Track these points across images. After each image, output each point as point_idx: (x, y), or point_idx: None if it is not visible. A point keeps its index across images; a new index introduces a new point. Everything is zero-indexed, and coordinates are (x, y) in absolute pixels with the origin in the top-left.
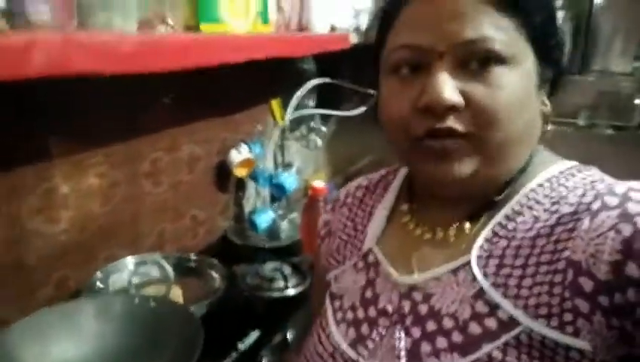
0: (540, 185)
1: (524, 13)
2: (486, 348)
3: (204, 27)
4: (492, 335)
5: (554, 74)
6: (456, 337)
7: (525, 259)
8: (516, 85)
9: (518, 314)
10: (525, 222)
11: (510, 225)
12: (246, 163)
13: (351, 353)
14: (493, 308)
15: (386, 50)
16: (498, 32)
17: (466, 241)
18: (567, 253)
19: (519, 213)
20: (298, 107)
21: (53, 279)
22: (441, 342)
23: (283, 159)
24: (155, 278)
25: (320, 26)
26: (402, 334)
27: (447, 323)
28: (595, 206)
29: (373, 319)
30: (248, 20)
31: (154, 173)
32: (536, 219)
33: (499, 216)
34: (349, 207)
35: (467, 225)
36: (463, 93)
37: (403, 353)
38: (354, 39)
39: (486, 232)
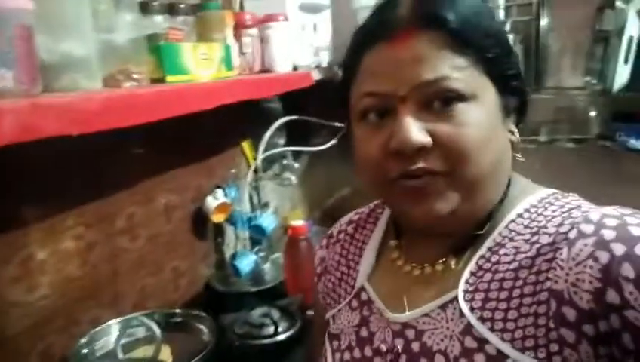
0: (520, 216)
1: (477, 50)
2: None
3: (170, 79)
4: None
5: (518, 102)
6: None
7: (509, 292)
8: (480, 120)
9: (506, 348)
10: (507, 254)
11: (493, 258)
12: (223, 208)
13: None
14: (481, 342)
15: (352, 98)
16: (455, 71)
17: (453, 276)
18: (548, 284)
19: (501, 245)
20: (269, 146)
21: (37, 348)
22: None
23: (259, 200)
24: (143, 338)
25: (282, 66)
26: None
27: (439, 360)
28: (572, 235)
29: (369, 358)
30: (212, 68)
31: (130, 228)
32: (517, 250)
33: (482, 249)
34: (341, 244)
35: (453, 260)
36: (430, 133)
37: None
38: (316, 76)
39: (471, 266)
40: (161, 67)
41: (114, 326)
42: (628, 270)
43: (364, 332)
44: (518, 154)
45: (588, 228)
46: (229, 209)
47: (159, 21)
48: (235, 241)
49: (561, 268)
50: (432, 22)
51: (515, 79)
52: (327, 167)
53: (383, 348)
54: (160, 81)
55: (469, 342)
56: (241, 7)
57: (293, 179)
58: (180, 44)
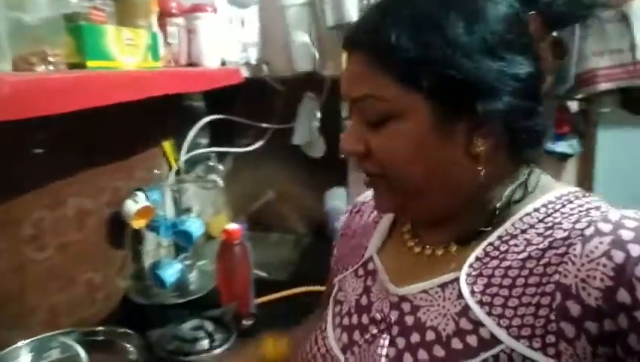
0: (536, 210)
1: (405, 69)
2: None
3: (91, 64)
4: (472, 352)
5: (484, 115)
6: (438, 351)
7: (513, 280)
8: (409, 134)
9: (500, 333)
10: (517, 244)
11: (502, 247)
12: (144, 212)
13: (340, 357)
14: (477, 325)
15: None
16: (381, 89)
17: (458, 259)
18: (557, 277)
19: (513, 236)
20: (192, 147)
21: None
22: (422, 355)
23: (181, 204)
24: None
25: (211, 60)
26: (386, 343)
27: (430, 336)
28: (588, 232)
29: (365, 326)
30: (138, 56)
31: (38, 236)
32: (529, 242)
33: (492, 237)
34: (361, 214)
35: (454, 248)
36: (365, 143)
37: (384, 361)
38: (245, 73)
39: (477, 252)
40: (81, 50)
41: (24, 348)
42: None
43: (364, 301)
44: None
45: (606, 227)
46: (151, 213)
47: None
48: (156, 249)
49: (573, 264)
50: (359, 43)
51: (458, 89)
52: (253, 170)
53: (378, 316)
54: (79, 66)
55: (464, 323)
56: None
57: (220, 181)
58: (103, 26)
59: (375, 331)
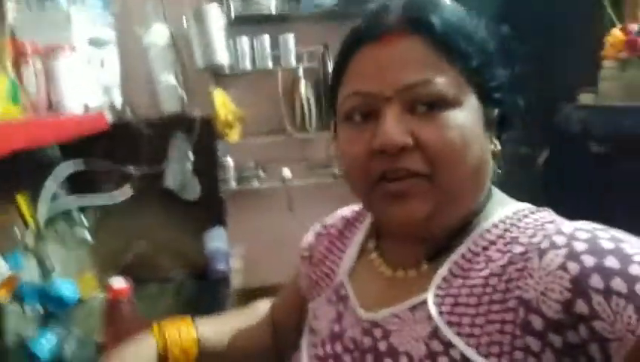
0: (495, 226)
1: (460, 57)
2: None
3: None
4: None
5: (499, 114)
6: None
7: (478, 299)
8: (463, 126)
9: (471, 353)
10: (479, 262)
11: (466, 265)
12: (7, 282)
13: None
14: (447, 346)
15: (339, 99)
16: (439, 75)
17: (426, 280)
18: (518, 292)
19: (475, 253)
20: (50, 201)
21: None
22: None
23: (45, 266)
24: None
25: (73, 105)
26: None
27: (403, 361)
28: (544, 245)
29: (338, 355)
30: None
31: None
32: (490, 258)
33: (456, 256)
34: (329, 239)
35: (426, 266)
36: (413, 135)
37: None
38: (108, 117)
39: (443, 271)
40: None
41: None
42: (597, 281)
43: (337, 328)
44: (497, 166)
45: (560, 240)
46: (15, 283)
47: None
48: (22, 322)
49: (532, 277)
50: (417, 26)
51: (497, 90)
52: (122, 220)
53: (351, 345)
54: None
55: (435, 345)
56: (12, 34)
57: (88, 236)
58: None
59: (349, 360)
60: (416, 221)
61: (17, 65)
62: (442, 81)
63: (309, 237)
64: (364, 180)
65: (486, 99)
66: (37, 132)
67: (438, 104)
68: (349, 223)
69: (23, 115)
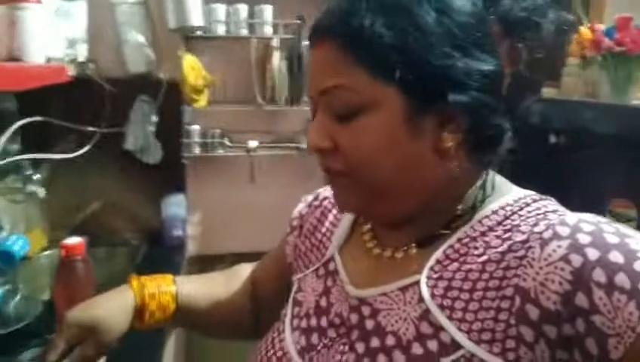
0: (495, 212)
1: (378, 60)
2: None
3: None
4: (432, 357)
5: (453, 107)
6: (398, 356)
7: (473, 284)
8: (377, 128)
9: (461, 338)
10: (477, 247)
11: (462, 250)
12: None
13: (297, 360)
14: (437, 329)
15: None
16: (352, 80)
17: (418, 262)
18: (515, 280)
19: (473, 239)
20: (1, 154)
21: None
22: (382, 360)
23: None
24: None
25: (35, 56)
26: (346, 348)
27: (390, 341)
28: (547, 235)
29: (324, 329)
30: None
31: None
32: (488, 244)
33: (452, 240)
34: (322, 210)
35: (414, 250)
36: (332, 138)
37: None
38: (71, 71)
39: (438, 254)
40: None
41: None
42: (600, 275)
43: (323, 302)
44: (454, 161)
45: (563, 231)
46: None
47: None
48: None
49: (531, 267)
50: (329, 32)
51: (429, 81)
52: (77, 178)
53: (337, 320)
54: None
55: (425, 328)
56: None
57: (42, 192)
58: None
59: (334, 335)
60: (351, 211)
61: None
62: (355, 86)
63: (300, 207)
64: (322, 170)
65: (418, 95)
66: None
67: (352, 109)
68: None
69: None
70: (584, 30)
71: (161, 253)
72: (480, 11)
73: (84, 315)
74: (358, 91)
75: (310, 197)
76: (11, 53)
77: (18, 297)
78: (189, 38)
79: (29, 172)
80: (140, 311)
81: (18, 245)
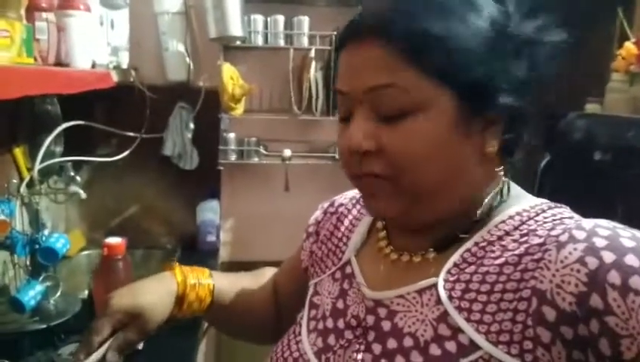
0: (511, 218)
1: (430, 61)
2: None
3: None
4: (451, 358)
5: (499, 111)
6: (415, 357)
7: (491, 286)
8: (426, 132)
9: (479, 339)
10: (494, 251)
11: (479, 253)
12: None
13: (314, 361)
14: (455, 331)
15: None
16: (403, 80)
17: (435, 266)
18: (533, 282)
19: (489, 242)
20: (46, 155)
21: None
22: (400, 361)
23: (39, 218)
24: None
25: (81, 61)
26: (362, 348)
27: (408, 342)
28: (563, 238)
29: (340, 331)
30: (13, 51)
31: None
32: (505, 248)
33: (469, 243)
34: (338, 216)
35: (432, 254)
36: (377, 139)
37: None
38: (114, 77)
39: (455, 258)
40: None
41: None
42: (615, 277)
43: (340, 304)
44: (498, 164)
45: (580, 234)
46: (6, 228)
47: None
48: (10, 270)
49: (548, 269)
50: (383, 31)
51: (485, 88)
52: (116, 182)
53: (354, 322)
54: None
55: (443, 329)
56: None
57: (82, 193)
58: None
59: (351, 336)
60: (387, 218)
61: (31, 17)
62: (406, 86)
63: (316, 214)
64: (349, 174)
65: (469, 98)
66: (45, 80)
67: (401, 109)
68: (358, 203)
69: (33, 66)
70: (629, 45)
71: (195, 257)
72: (508, 23)
73: (130, 302)
74: (410, 91)
75: (326, 204)
76: (59, 58)
77: (58, 294)
78: (228, 48)
79: (71, 173)
80: (180, 299)
81: (60, 243)
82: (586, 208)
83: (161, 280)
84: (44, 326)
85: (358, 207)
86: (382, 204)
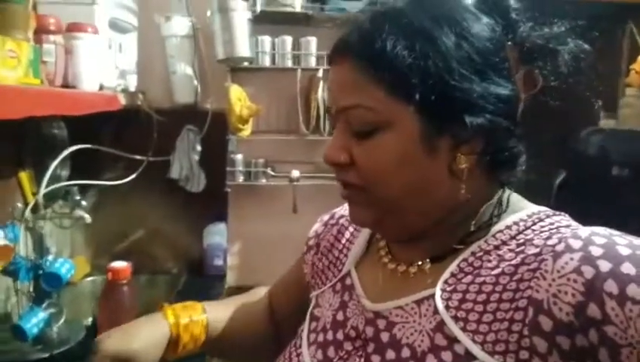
0: (508, 227)
1: (394, 79)
2: None
3: None
4: None
5: (469, 130)
6: None
7: (487, 296)
8: (392, 147)
9: (475, 349)
10: (490, 261)
11: (476, 263)
12: (1, 251)
13: None
14: (451, 341)
15: None
16: (369, 99)
17: (433, 276)
18: (529, 292)
19: (486, 252)
20: (51, 179)
21: None
22: None
23: (43, 243)
24: None
25: (88, 84)
26: (362, 360)
27: (405, 353)
28: (559, 248)
29: (340, 342)
30: (20, 71)
31: None
32: (502, 258)
33: (466, 253)
34: (338, 228)
35: (428, 265)
36: (349, 153)
37: None
38: (122, 100)
39: (452, 268)
40: None
41: None
42: (611, 286)
43: (340, 316)
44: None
45: (576, 244)
46: (10, 253)
47: None
48: (12, 296)
49: (544, 279)
50: (350, 52)
51: (446, 103)
52: (121, 205)
53: (353, 333)
54: None
55: (439, 339)
56: (34, 8)
57: (88, 218)
58: None
59: (350, 348)
60: (364, 225)
61: (39, 39)
62: (373, 106)
63: (316, 226)
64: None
65: (431, 118)
66: (51, 101)
67: (370, 126)
68: None
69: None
70: None
71: (201, 282)
72: (498, 37)
73: (120, 347)
74: (375, 110)
75: (326, 217)
76: (66, 80)
77: (62, 321)
78: (235, 70)
79: (77, 197)
80: (174, 342)
81: (65, 268)
82: (604, 224)
83: (153, 322)
84: (47, 354)
85: None
86: (357, 211)
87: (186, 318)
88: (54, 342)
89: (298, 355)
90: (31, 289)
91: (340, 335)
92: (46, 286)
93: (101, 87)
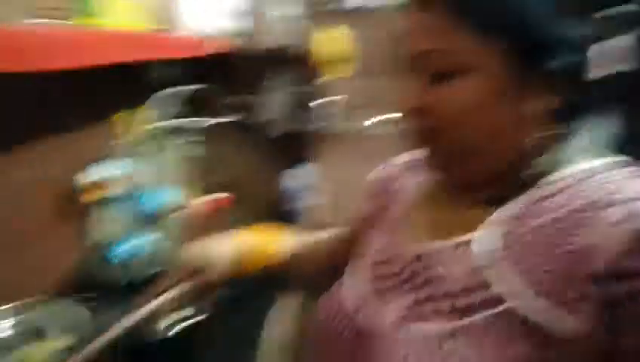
0: (563, 178)
1: (481, 24)
2: (472, 318)
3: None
4: (481, 307)
5: (554, 72)
6: (444, 306)
7: (532, 242)
8: (475, 91)
9: (510, 292)
10: (542, 208)
11: (527, 210)
12: (99, 185)
13: (352, 309)
14: (486, 283)
15: None
16: (453, 44)
17: (482, 220)
18: (576, 239)
19: (539, 200)
20: (161, 117)
21: None
22: (429, 309)
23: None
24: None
25: (198, 27)
26: (397, 298)
27: (439, 291)
28: (608, 201)
29: (379, 280)
30: (132, 15)
31: None
32: (553, 206)
33: (519, 200)
34: (394, 174)
35: (482, 209)
36: (427, 98)
37: (395, 316)
38: (235, 43)
39: (503, 213)
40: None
41: None
42: None
43: (383, 256)
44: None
45: (623, 198)
46: (111, 186)
47: None
48: (118, 223)
49: (592, 228)
50: None
51: (536, 50)
52: (217, 145)
53: (396, 269)
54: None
55: (476, 281)
56: None
57: (200, 151)
58: None
59: (389, 285)
60: (436, 169)
61: None
62: (455, 50)
63: (375, 172)
64: (411, 128)
65: (522, 56)
66: (162, 45)
67: (450, 70)
68: (415, 163)
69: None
70: None
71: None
72: None
73: (197, 256)
74: (460, 54)
75: (384, 164)
76: (177, 24)
77: (166, 245)
78: (335, 13)
79: (186, 134)
80: (247, 257)
81: (171, 196)
82: None
83: (231, 237)
84: (153, 272)
85: (414, 167)
86: (430, 156)
87: (264, 237)
88: (152, 266)
89: (340, 292)
90: (132, 219)
91: (379, 274)
92: (147, 216)
93: (209, 31)
